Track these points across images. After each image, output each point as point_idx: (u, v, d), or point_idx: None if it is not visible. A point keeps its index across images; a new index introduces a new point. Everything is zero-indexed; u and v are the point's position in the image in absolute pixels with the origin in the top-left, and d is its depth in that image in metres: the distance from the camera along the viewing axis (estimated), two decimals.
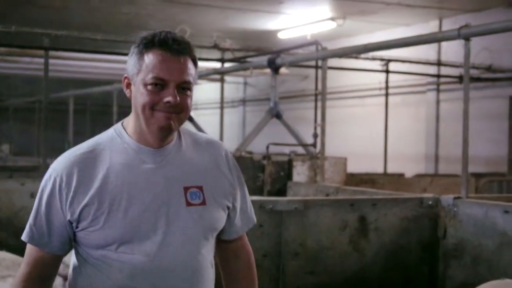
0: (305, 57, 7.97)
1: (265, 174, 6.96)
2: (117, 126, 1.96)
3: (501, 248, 4.02)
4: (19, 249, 4.82)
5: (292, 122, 8.16)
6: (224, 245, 2.09)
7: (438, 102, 11.17)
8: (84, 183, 1.84)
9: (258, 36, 12.36)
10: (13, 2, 10.42)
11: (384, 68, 10.52)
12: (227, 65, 10.23)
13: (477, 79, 9.97)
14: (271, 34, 12.36)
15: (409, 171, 9.76)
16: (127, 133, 1.92)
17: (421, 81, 11.39)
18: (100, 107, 17.39)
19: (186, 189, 1.91)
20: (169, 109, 1.84)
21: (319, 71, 7.71)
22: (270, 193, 6.82)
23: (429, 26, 10.95)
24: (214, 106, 15.32)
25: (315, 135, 7.34)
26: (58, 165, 1.88)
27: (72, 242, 1.91)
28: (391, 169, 10.08)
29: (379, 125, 10.83)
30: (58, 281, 3.53)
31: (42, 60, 8.26)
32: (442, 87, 11.14)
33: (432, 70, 11.05)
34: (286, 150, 7.95)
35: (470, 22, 4.80)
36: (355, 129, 12.73)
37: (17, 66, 12.53)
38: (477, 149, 8.98)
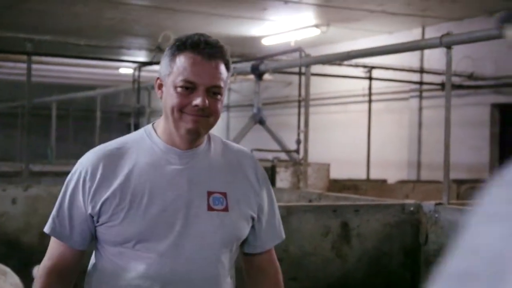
0: (288, 64, 8.00)
1: None
2: (148, 126, 1.98)
3: None
4: (2, 255, 4.78)
5: (275, 128, 8.18)
6: (249, 259, 2.07)
7: (420, 109, 11.24)
8: (108, 177, 1.86)
9: (242, 42, 12.38)
10: None
11: (367, 75, 10.57)
12: None
13: (459, 87, 10.05)
14: (255, 40, 12.39)
15: (392, 177, 9.81)
16: (156, 133, 1.93)
17: (404, 88, 11.46)
18: (83, 112, 17.32)
19: (209, 193, 1.90)
20: (198, 112, 1.83)
21: (303, 78, 7.74)
22: None
23: (412, 34, 11.02)
24: None
25: (298, 141, 7.37)
26: (85, 160, 1.91)
27: (93, 237, 1.93)
28: (374, 175, 10.12)
29: (362, 131, 10.88)
30: None
31: (25, 65, 8.22)
32: (424, 94, 11.22)
33: (415, 77, 11.12)
34: (269, 156, 7.96)
35: (452, 31, 4.84)
36: (338, 135, 12.78)
37: (0, 71, 12.46)
38: (459, 155, 9.05)
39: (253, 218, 1.99)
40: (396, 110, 11.74)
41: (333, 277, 4.26)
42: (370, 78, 10.55)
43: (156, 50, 8.60)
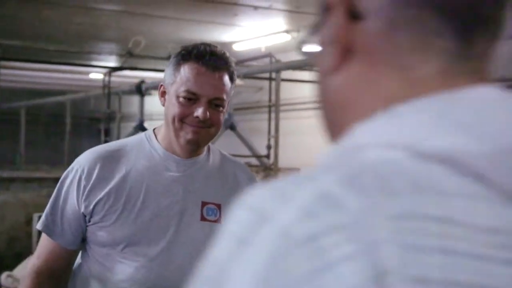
0: (259, 69, 8.04)
1: None
2: (148, 131, 1.99)
3: None
4: None
5: (246, 134, 8.21)
6: None
7: None
8: (104, 178, 1.86)
9: None
10: None
11: None
12: None
13: None
14: (225, 46, 12.41)
15: None
16: (157, 139, 1.93)
17: None
18: (53, 118, 17.18)
19: (203, 203, 1.91)
20: (198, 123, 1.84)
21: (273, 83, 7.79)
22: None
23: None
24: None
25: (268, 147, 7.40)
26: (83, 158, 1.90)
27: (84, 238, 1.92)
28: None
29: None
30: None
31: None
32: None
33: None
34: (240, 161, 7.98)
35: None
36: (309, 140, 12.83)
37: None
38: None
39: None
40: None
41: None
42: None
43: (127, 55, 8.59)
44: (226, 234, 0.55)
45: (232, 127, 7.83)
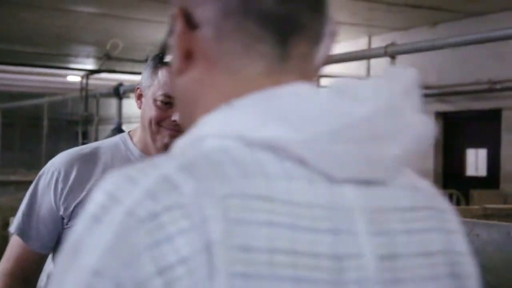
0: None
1: None
2: (123, 134, 1.98)
3: None
4: None
5: None
6: None
7: None
8: (82, 180, 1.84)
9: None
10: None
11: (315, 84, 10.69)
12: None
13: None
14: None
15: None
16: (132, 141, 1.93)
17: None
18: (30, 120, 17.07)
19: None
20: (175, 127, 1.83)
21: None
22: None
23: (359, 43, 11.20)
24: None
25: None
26: (57, 160, 1.88)
27: (58, 240, 1.89)
28: None
29: None
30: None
31: None
32: None
33: None
34: None
35: (397, 40, 4.97)
36: None
37: None
38: None
39: None
40: None
41: None
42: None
43: (104, 58, 8.57)
44: (85, 213, 0.67)
45: None
